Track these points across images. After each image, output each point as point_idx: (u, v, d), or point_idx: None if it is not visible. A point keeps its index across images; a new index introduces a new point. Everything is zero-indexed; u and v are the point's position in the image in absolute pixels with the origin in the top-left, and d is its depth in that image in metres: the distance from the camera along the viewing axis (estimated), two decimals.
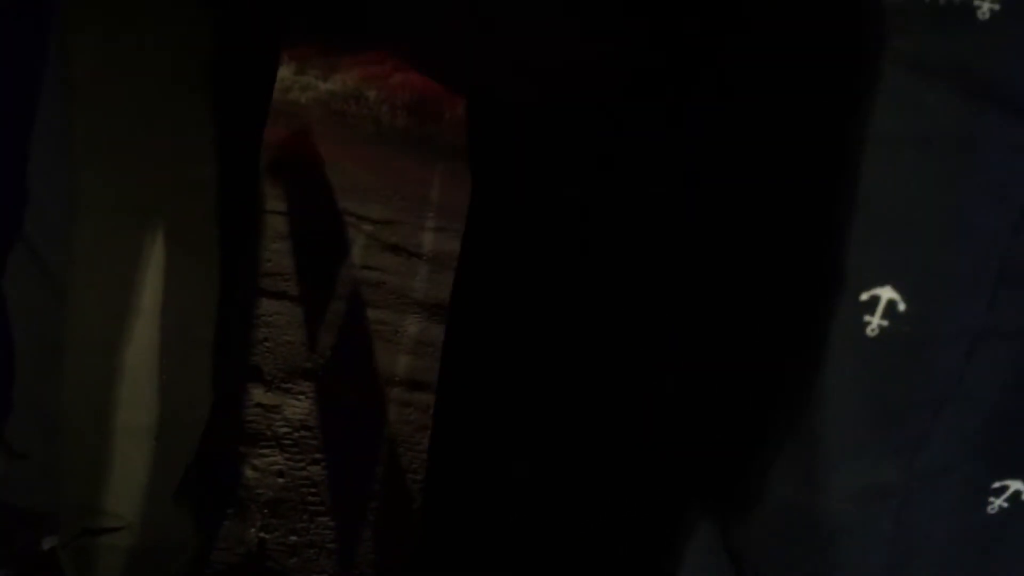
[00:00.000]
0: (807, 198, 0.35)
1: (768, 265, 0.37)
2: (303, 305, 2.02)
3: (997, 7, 0.31)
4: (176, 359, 1.08)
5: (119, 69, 0.88)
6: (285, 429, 1.71)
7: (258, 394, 1.78)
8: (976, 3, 0.31)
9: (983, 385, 0.35)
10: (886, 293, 0.34)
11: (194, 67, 0.90)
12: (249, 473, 1.61)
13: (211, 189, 1.00)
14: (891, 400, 0.35)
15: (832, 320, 0.36)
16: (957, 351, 0.34)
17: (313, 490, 1.60)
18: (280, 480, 1.61)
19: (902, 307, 0.33)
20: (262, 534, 1.50)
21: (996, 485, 0.36)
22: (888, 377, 0.35)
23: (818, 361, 0.36)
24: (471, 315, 0.52)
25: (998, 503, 0.36)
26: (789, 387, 0.36)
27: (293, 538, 1.51)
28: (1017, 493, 0.36)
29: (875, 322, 0.34)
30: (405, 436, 1.69)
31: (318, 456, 1.67)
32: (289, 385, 1.81)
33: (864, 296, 0.35)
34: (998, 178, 0.32)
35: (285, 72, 2.98)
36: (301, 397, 1.78)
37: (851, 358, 0.36)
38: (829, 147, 0.34)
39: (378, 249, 2.26)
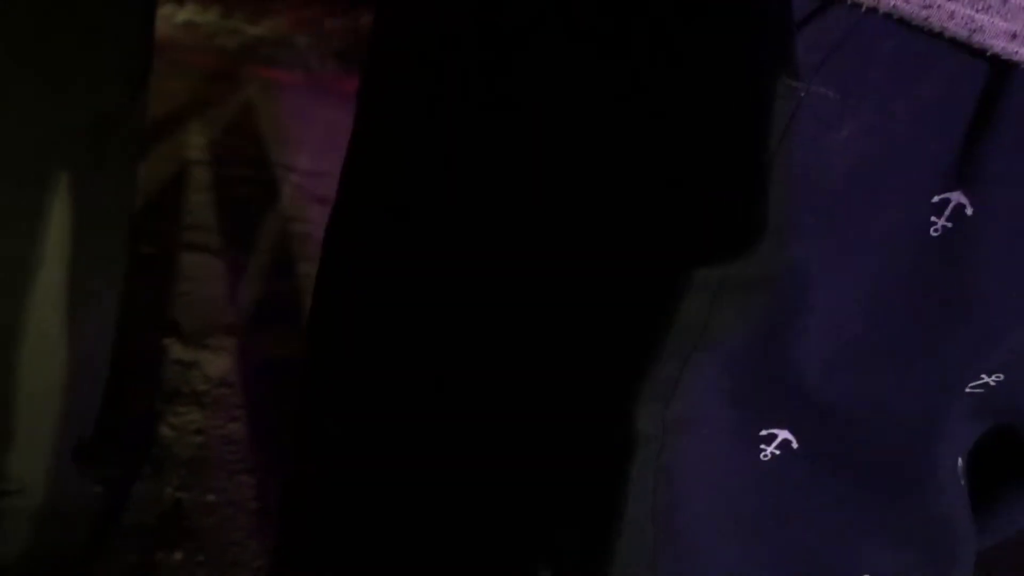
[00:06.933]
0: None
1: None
2: (226, 259, 1.96)
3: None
4: (75, 314, 1.03)
5: None
6: (204, 386, 1.66)
7: (176, 350, 1.72)
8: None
9: (729, 335, 0.35)
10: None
11: (63, 10, 0.84)
12: (166, 431, 1.57)
13: (103, 134, 0.94)
14: (642, 349, 0.35)
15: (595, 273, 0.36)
16: (701, 301, 0.34)
17: (232, 448, 1.56)
18: (198, 438, 1.56)
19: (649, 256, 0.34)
20: (179, 494, 1.46)
21: (763, 433, 0.36)
22: (639, 327, 0.35)
23: (596, 314, 0.37)
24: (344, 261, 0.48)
25: (770, 450, 0.36)
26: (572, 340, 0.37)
27: (211, 497, 1.47)
28: (787, 441, 0.36)
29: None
30: None
31: (238, 413, 1.62)
32: (209, 340, 1.75)
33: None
34: (743, 128, 0.33)
35: (211, 16, 2.87)
36: (221, 353, 1.73)
37: (609, 307, 0.36)
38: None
39: (305, 201, 2.20)
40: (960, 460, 0.40)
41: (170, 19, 2.73)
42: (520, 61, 0.37)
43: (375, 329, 0.46)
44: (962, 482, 0.40)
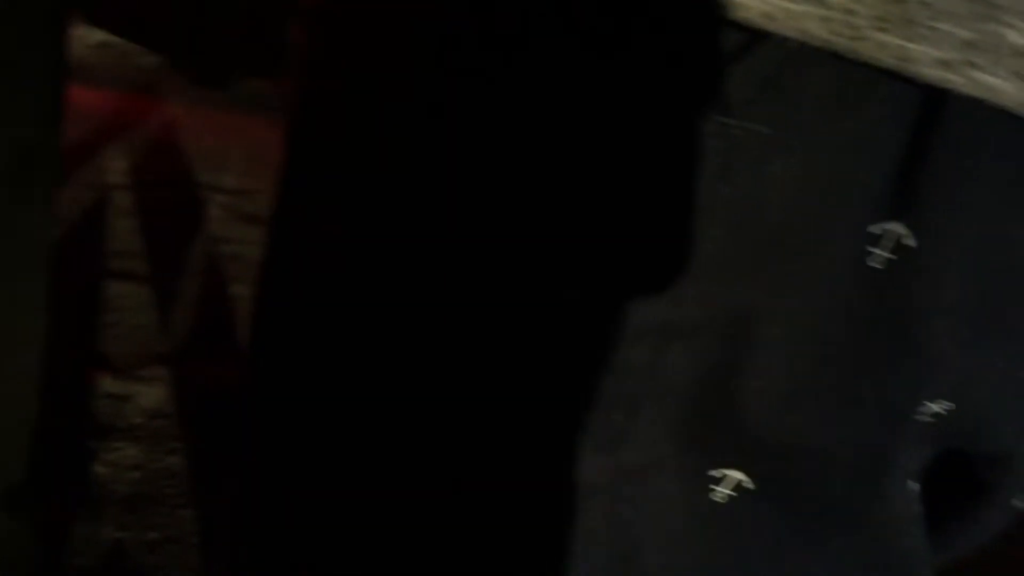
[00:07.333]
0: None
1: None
2: (154, 285, 1.91)
3: None
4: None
5: None
6: (139, 419, 1.61)
7: (107, 383, 1.67)
8: None
9: (676, 379, 0.35)
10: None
11: None
12: (101, 469, 1.52)
13: (25, 169, 0.91)
14: (588, 400, 0.35)
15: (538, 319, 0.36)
16: (646, 347, 0.34)
17: (173, 482, 1.52)
18: (135, 474, 1.52)
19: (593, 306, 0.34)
20: (118, 533, 1.42)
21: (716, 474, 0.36)
22: (583, 378, 0.35)
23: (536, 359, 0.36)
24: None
25: (724, 491, 0.36)
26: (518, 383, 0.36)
27: (153, 534, 1.43)
28: (739, 481, 0.36)
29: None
30: None
31: (177, 445, 1.58)
32: (142, 372, 1.71)
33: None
34: (678, 170, 0.32)
35: None
36: (155, 384, 1.68)
37: (552, 358, 0.35)
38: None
39: (234, 220, 2.15)
40: (913, 483, 0.39)
41: (84, 40, 2.65)
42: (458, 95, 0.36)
43: (318, 349, 0.44)
44: (915, 505, 0.40)
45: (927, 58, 0.31)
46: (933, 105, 0.32)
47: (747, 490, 0.35)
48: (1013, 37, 0.31)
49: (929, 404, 0.35)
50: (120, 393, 1.66)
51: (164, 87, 2.70)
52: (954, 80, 0.32)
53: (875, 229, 0.33)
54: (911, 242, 0.33)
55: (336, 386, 0.43)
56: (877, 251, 0.33)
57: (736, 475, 0.35)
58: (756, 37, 0.31)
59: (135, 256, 1.99)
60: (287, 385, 0.46)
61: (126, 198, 2.18)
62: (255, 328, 0.50)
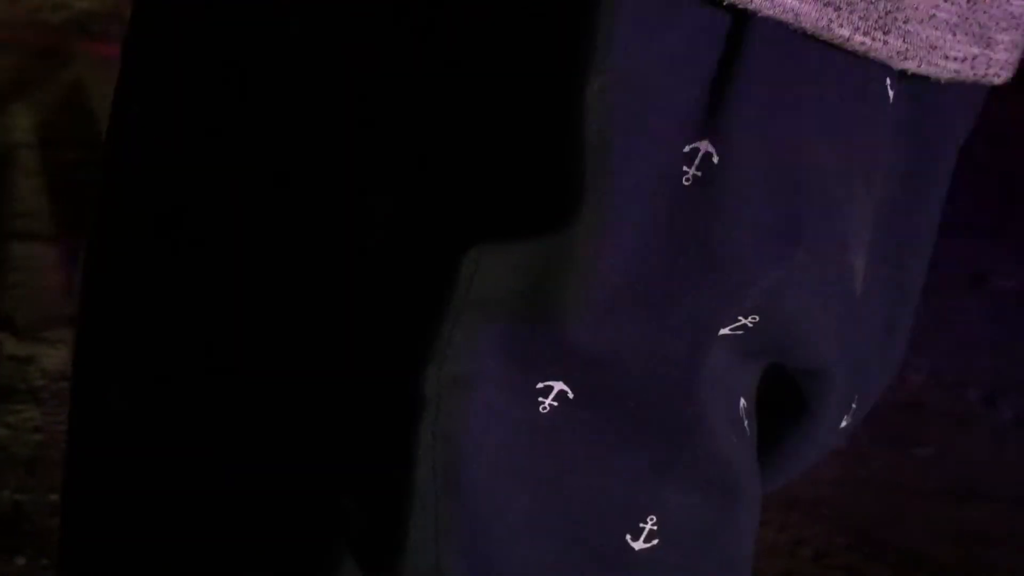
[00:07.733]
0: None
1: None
2: (60, 247, 1.87)
3: None
4: None
5: None
6: (42, 381, 1.58)
7: (10, 345, 1.63)
8: None
9: (497, 290, 0.35)
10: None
11: None
12: (1, 431, 1.49)
13: None
14: (409, 313, 0.35)
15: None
16: (467, 258, 0.34)
17: None
18: (37, 436, 1.49)
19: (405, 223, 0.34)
20: (17, 496, 1.40)
21: (540, 386, 0.36)
22: (403, 289, 0.35)
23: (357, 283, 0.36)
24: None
25: (548, 402, 0.36)
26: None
27: (54, 497, 1.41)
28: (563, 392, 0.36)
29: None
30: None
31: None
32: (46, 333, 1.67)
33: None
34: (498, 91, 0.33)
35: None
36: (60, 346, 1.65)
37: (373, 270, 0.36)
38: None
39: None
40: (743, 401, 0.41)
41: None
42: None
43: (140, 300, 0.44)
44: (746, 423, 0.41)
45: None
46: (738, 26, 0.33)
47: (569, 400, 0.36)
48: None
49: (740, 318, 0.36)
50: (23, 355, 1.63)
51: (72, 44, 2.63)
52: (756, 1, 0.33)
53: (687, 147, 0.34)
54: (716, 160, 0.34)
55: (165, 315, 0.43)
56: (688, 169, 0.34)
57: (558, 385, 0.36)
58: None
59: (40, 216, 1.95)
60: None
61: (32, 157, 2.13)
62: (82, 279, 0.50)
